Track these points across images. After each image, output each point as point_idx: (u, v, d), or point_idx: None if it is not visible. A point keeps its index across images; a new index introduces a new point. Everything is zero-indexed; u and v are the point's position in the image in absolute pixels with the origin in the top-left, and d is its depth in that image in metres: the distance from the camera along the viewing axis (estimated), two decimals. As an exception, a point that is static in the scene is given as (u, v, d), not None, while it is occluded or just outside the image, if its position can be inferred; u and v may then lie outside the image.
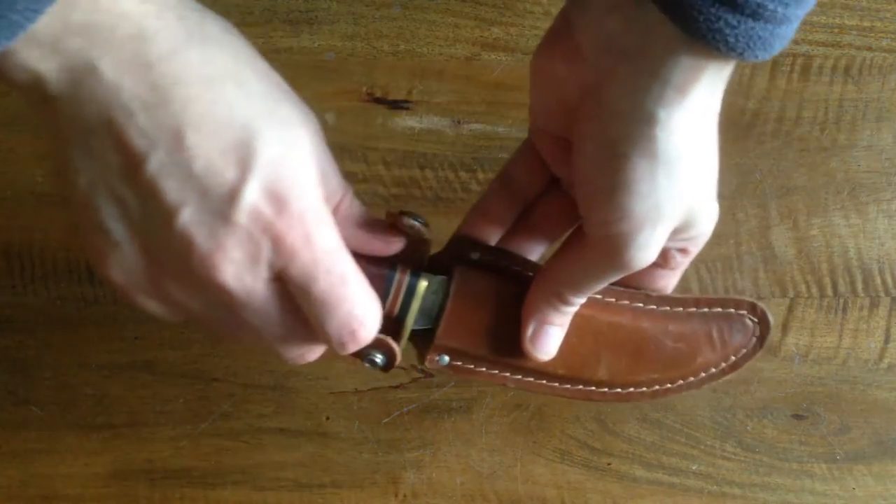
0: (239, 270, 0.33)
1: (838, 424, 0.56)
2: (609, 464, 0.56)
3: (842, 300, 0.57)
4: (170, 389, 0.55)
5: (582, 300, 0.40)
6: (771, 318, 0.44)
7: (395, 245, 0.39)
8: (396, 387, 0.55)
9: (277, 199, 0.32)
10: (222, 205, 0.32)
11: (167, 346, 0.55)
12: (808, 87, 0.58)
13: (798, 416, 0.56)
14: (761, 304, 0.44)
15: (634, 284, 0.42)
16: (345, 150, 0.56)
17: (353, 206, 0.38)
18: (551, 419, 0.56)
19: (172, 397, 0.55)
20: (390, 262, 0.40)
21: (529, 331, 0.41)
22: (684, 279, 0.56)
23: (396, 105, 0.57)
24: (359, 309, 0.35)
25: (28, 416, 0.55)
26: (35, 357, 0.55)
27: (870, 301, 0.57)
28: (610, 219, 0.35)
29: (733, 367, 0.44)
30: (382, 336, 0.38)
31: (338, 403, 0.55)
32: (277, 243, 0.33)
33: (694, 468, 0.56)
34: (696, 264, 0.57)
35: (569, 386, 0.43)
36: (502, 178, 0.44)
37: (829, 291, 0.57)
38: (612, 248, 0.36)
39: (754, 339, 0.44)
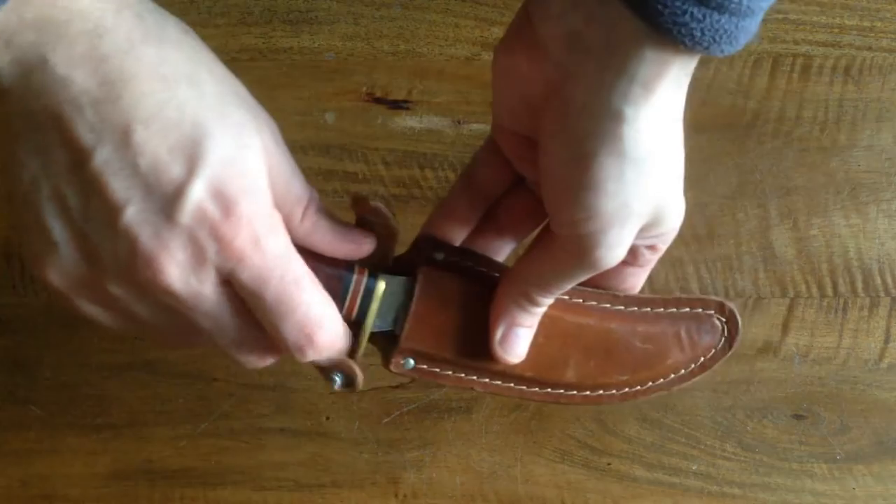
0: (184, 273, 0.32)
1: (838, 424, 0.56)
2: (609, 464, 0.56)
3: (842, 300, 0.57)
4: (170, 389, 0.55)
5: (550, 300, 0.40)
6: (739, 319, 0.43)
7: (365, 247, 0.39)
8: (396, 387, 0.55)
9: (224, 201, 0.32)
10: (167, 203, 0.31)
11: (167, 346, 0.55)
12: (808, 87, 0.58)
13: (798, 416, 0.56)
14: (730, 304, 0.43)
15: (603, 283, 0.42)
16: (345, 150, 0.56)
17: (320, 211, 0.38)
18: (551, 419, 0.56)
19: (172, 397, 0.55)
20: (347, 264, 0.39)
21: (498, 333, 0.40)
22: (685, 279, 0.57)
23: (396, 105, 0.57)
24: (314, 312, 0.35)
25: (28, 416, 0.55)
26: (35, 357, 0.55)
27: (870, 301, 0.57)
28: (577, 218, 0.34)
29: (702, 367, 0.43)
30: (343, 359, 0.38)
31: (338, 403, 0.55)
32: (224, 246, 0.32)
33: (694, 468, 0.56)
34: (696, 264, 0.57)
35: (537, 389, 0.42)
36: (466, 177, 0.43)
37: (829, 291, 0.57)
38: (581, 247, 0.35)
39: (723, 340, 0.43)
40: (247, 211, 0.32)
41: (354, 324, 0.39)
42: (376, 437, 0.55)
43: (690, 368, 0.43)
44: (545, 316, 0.41)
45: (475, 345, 0.41)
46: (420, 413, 0.55)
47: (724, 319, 0.43)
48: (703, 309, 0.43)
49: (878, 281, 0.57)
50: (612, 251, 0.35)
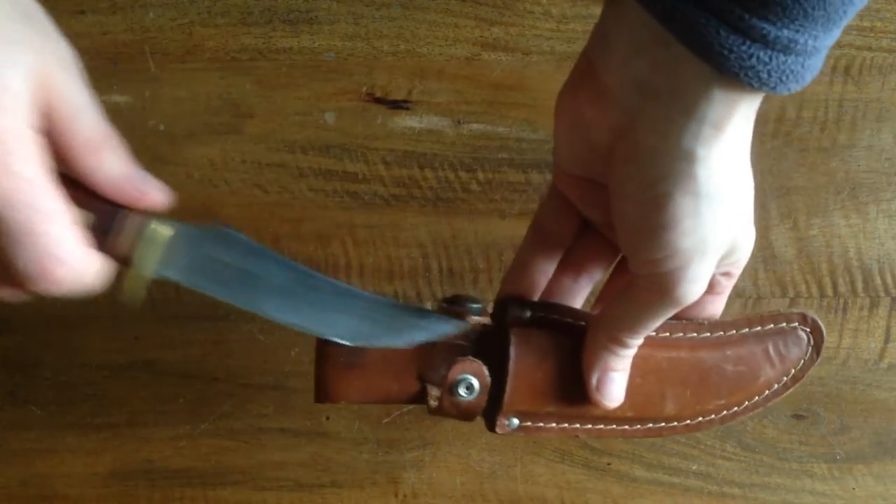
0: None
1: (838, 424, 0.56)
2: (609, 464, 0.56)
3: (842, 300, 0.57)
4: (170, 389, 0.55)
5: (639, 341, 0.40)
6: (823, 327, 0.44)
7: (150, 196, 0.38)
8: (396, 387, 0.55)
9: None
10: None
11: (167, 346, 0.55)
12: (808, 87, 0.58)
13: (798, 416, 0.56)
14: (811, 314, 0.44)
15: (684, 314, 0.41)
16: (345, 150, 0.56)
17: (110, 153, 0.36)
18: (551, 419, 0.56)
19: (172, 397, 0.55)
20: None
21: (594, 380, 0.40)
22: (684, 279, 0.56)
23: (396, 105, 0.57)
24: (56, 246, 0.34)
25: (28, 416, 0.55)
26: (35, 357, 0.55)
27: (870, 301, 0.57)
28: (657, 257, 0.35)
29: (794, 379, 0.44)
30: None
31: (338, 403, 0.55)
32: None
33: (694, 468, 0.56)
34: (696, 264, 0.57)
35: (639, 426, 0.43)
36: (535, 230, 0.43)
37: (829, 291, 0.57)
38: (663, 285, 0.36)
39: (810, 349, 0.44)
40: None
41: (126, 262, 0.39)
42: (376, 437, 0.55)
43: (784, 382, 0.44)
44: (637, 356, 0.41)
45: (574, 394, 0.41)
46: (420, 413, 0.55)
47: (808, 329, 0.44)
48: (787, 323, 0.44)
49: (878, 281, 0.57)
50: (694, 286, 0.36)
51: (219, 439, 0.55)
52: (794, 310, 0.44)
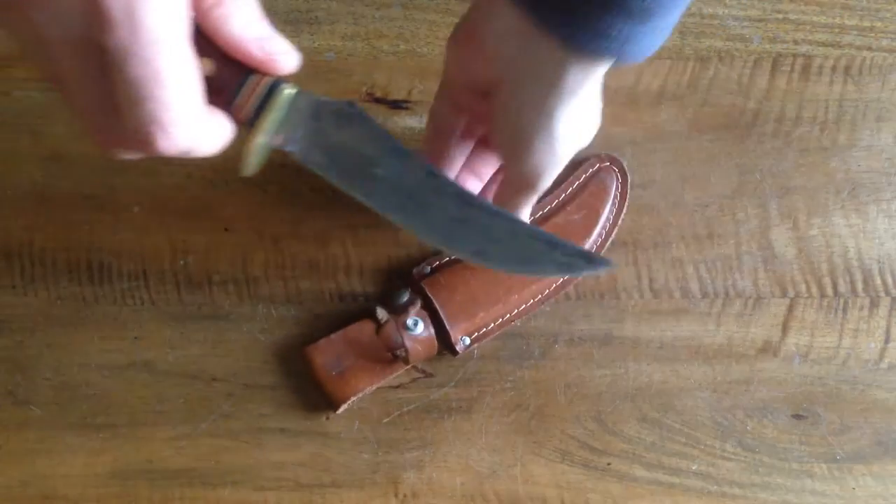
0: (45, 19, 0.30)
1: (838, 424, 0.56)
2: (609, 464, 0.56)
3: (842, 300, 0.57)
4: (170, 389, 0.55)
5: (533, 200, 0.47)
6: (625, 164, 0.57)
7: (281, 62, 0.36)
8: (396, 387, 0.55)
9: None
10: None
11: (167, 346, 0.55)
12: (808, 87, 0.58)
13: (798, 416, 0.56)
14: (606, 154, 0.57)
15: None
16: (345, 150, 0.56)
17: (247, 5, 0.35)
18: (551, 419, 0.56)
19: (172, 397, 0.55)
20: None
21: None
22: (685, 279, 0.57)
23: (396, 105, 0.57)
24: (166, 114, 0.32)
25: (28, 416, 0.55)
26: (35, 357, 0.55)
27: (870, 301, 0.57)
28: (521, 171, 0.44)
29: (622, 201, 0.57)
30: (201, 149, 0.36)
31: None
32: (91, 6, 0.29)
33: (694, 468, 0.56)
34: (696, 264, 0.57)
35: (547, 290, 0.56)
36: (433, 127, 0.49)
37: (829, 291, 0.57)
38: (526, 182, 0.45)
39: (618, 181, 0.57)
40: None
41: (248, 124, 0.38)
42: (376, 437, 0.55)
43: (616, 206, 0.57)
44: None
45: (489, 297, 0.54)
46: (420, 413, 0.55)
47: (614, 168, 0.57)
48: (600, 163, 0.57)
49: (878, 281, 0.57)
50: (547, 183, 0.45)
51: (219, 439, 0.55)
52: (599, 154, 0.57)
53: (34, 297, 0.56)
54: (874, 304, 0.57)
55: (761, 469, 0.56)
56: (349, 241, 0.56)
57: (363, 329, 0.54)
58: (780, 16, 0.59)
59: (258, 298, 0.56)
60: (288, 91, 0.38)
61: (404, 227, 0.40)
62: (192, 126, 0.33)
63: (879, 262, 0.57)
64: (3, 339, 0.55)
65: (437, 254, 0.56)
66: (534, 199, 0.47)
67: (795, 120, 0.58)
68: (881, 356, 0.57)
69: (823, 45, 0.58)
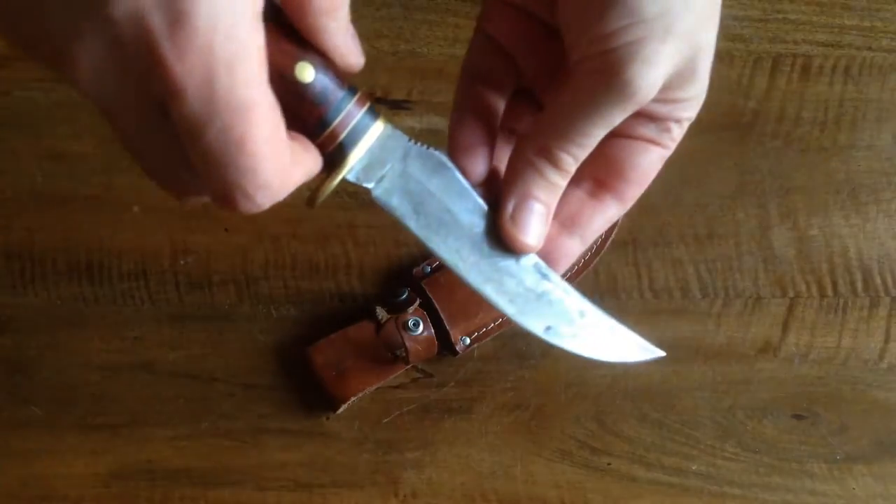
0: (98, 71, 0.25)
1: (838, 424, 0.56)
2: (609, 464, 0.55)
3: (842, 300, 0.57)
4: (170, 389, 0.55)
5: (572, 162, 0.33)
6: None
7: (353, 57, 0.32)
8: (396, 387, 0.55)
9: (173, 8, 0.24)
10: None
11: (167, 346, 0.55)
12: (808, 87, 0.58)
13: (798, 416, 0.56)
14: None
15: (617, 167, 0.36)
16: (345, 150, 0.56)
17: (341, 8, 0.30)
18: (551, 419, 0.56)
19: (172, 397, 0.55)
20: (349, 84, 0.33)
21: (510, 207, 0.33)
22: (685, 279, 0.56)
23: (396, 105, 0.57)
24: (251, 183, 0.27)
25: (28, 416, 0.55)
26: (35, 357, 0.55)
27: (870, 301, 0.57)
28: (615, 28, 0.29)
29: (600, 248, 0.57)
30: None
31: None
32: (160, 70, 0.25)
33: (694, 468, 0.56)
34: (696, 264, 0.57)
35: None
36: (467, 99, 0.37)
37: (829, 291, 0.57)
38: (614, 65, 0.29)
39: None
40: (204, 28, 0.24)
41: (329, 156, 0.34)
42: (376, 437, 0.55)
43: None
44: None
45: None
46: (420, 413, 0.55)
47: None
48: None
49: (878, 281, 0.57)
50: (651, 69, 0.29)
51: (219, 439, 0.55)
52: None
53: (34, 297, 0.56)
54: (874, 305, 0.57)
55: (761, 469, 0.56)
56: (349, 241, 0.56)
57: (363, 329, 0.54)
58: (780, 16, 0.59)
59: (258, 298, 0.56)
60: (383, 126, 0.34)
61: (473, 287, 0.36)
62: (279, 188, 0.29)
63: (879, 262, 0.57)
64: (3, 339, 0.55)
65: None
66: (608, 110, 0.31)
67: (795, 120, 0.58)
68: (881, 356, 0.57)
69: (823, 45, 0.58)
